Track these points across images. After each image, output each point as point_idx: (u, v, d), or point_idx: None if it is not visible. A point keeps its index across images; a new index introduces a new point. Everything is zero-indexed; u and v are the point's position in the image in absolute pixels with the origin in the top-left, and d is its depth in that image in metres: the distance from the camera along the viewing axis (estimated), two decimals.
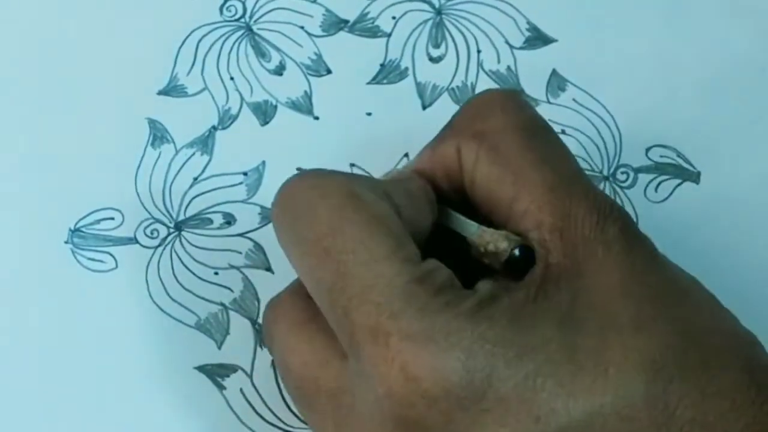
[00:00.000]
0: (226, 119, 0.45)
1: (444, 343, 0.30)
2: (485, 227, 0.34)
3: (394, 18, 0.47)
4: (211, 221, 0.43)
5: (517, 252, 0.32)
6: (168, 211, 0.43)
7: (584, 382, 0.30)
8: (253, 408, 0.40)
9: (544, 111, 0.44)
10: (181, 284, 0.42)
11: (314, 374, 0.33)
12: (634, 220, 0.43)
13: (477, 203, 0.35)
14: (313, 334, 0.33)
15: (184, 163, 0.44)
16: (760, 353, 0.33)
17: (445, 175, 0.36)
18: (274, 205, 0.34)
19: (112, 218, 0.43)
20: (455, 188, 0.36)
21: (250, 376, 0.40)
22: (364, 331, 0.31)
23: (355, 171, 0.44)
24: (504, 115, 0.35)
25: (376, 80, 0.46)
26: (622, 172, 0.44)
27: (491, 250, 0.33)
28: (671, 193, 0.44)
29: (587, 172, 0.43)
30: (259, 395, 0.40)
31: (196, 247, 0.42)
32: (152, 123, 0.44)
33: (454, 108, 0.44)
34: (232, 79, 0.45)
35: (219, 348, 0.41)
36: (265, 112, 0.45)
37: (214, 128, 0.44)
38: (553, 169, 0.33)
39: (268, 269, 0.42)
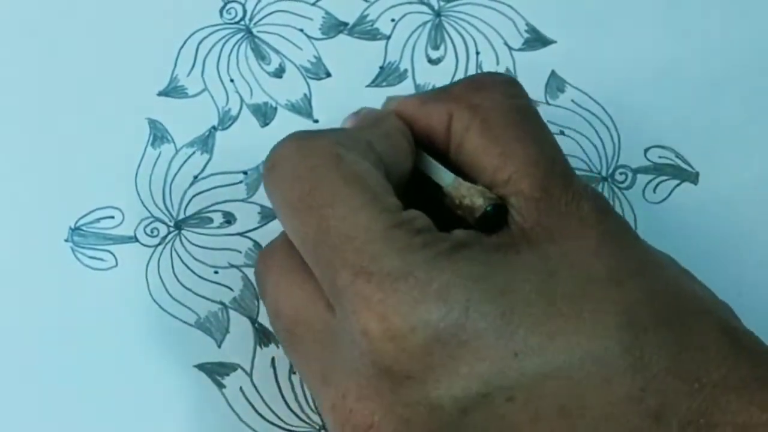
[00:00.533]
0: (226, 120, 0.45)
1: (423, 277, 0.31)
2: (462, 180, 0.35)
3: (393, 20, 0.47)
4: (211, 220, 0.43)
5: (491, 209, 0.34)
6: (168, 210, 0.43)
7: (560, 324, 0.31)
8: (253, 407, 0.40)
9: (543, 112, 0.44)
10: (181, 283, 0.42)
11: (303, 317, 0.34)
12: (630, 219, 0.43)
13: (459, 166, 0.36)
14: (304, 279, 0.34)
15: (184, 162, 0.44)
16: (734, 319, 0.34)
17: (426, 129, 0.37)
18: (264, 167, 0.36)
19: (113, 217, 0.43)
20: (430, 143, 0.37)
21: (250, 375, 0.40)
22: (345, 276, 0.32)
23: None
24: (501, 95, 0.36)
25: (375, 83, 0.46)
26: (621, 173, 0.44)
27: (466, 204, 0.34)
28: (670, 194, 0.44)
29: (586, 174, 0.43)
30: (259, 394, 0.40)
31: (196, 245, 0.42)
32: (152, 123, 0.44)
33: None
34: (232, 80, 0.46)
35: (219, 347, 0.41)
36: (264, 114, 0.45)
37: (214, 128, 0.45)
38: (539, 148, 0.35)
39: None
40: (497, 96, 0.36)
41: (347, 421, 0.32)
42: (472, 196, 0.34)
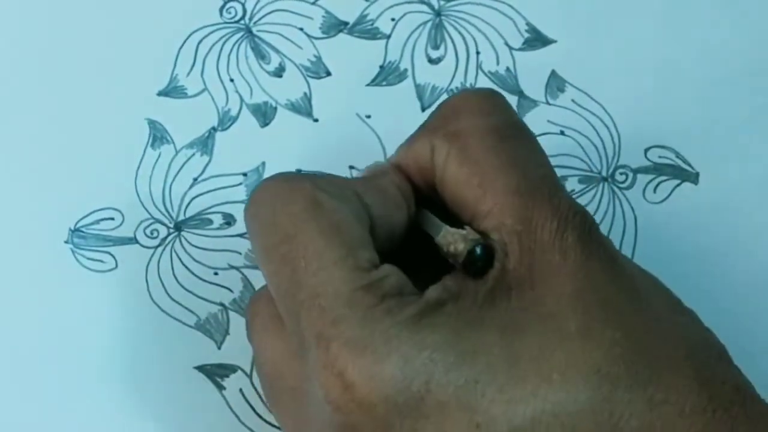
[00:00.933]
0: (226, 120, 0.45)
1: (382, 349, 0.30)
2: (450, 228, 0.34)
3: (393, 20, 0.47)
4: (210, 222, 0.43)
5: (476, 251, 0.32)
6: (168, 212, 0.43)
7: (526, 389, 0.29)
8: (253, 408, 0.40)
9: (542, 112, 0.44)
10: (181, 284, 0.42)
11: (280, 370, 0.34)
12: (630, 219, 0.43)
13: (446, 202, 0.35)
14: (284, 329, 0.34)
15: (184, 164, 0.44)
16: (715, 360, 0.32)
17: (418, 172, 0.36)
18: (245, 210, 0.35)
19: (112, 218, 0.43)
20: (429, 185, 0.36)
21: (250, 377, 0.40)
22: (310, 336, 0.31)
23: (354, 173, 0.44)
24: (477, 117, 0.35)
25: (375, 82, 0.46)
26: (621, 173, 0.44)
27: (452, 252, 0.33)
28: (670, 194, 0.44)
29: (585, 174, 0.43)
30: (259, 395, 0.40)
31: (196, 247, 0.42)
32: (152, 123, 0.44)
33: None
34: (231, 80, 0.46)
35: (219, 348, 0.41)
36: (264, 114, 0.45)
37: (214, 129, 0.45)
38: (520, 172, 0.33)
39: None
40: (472, 118, 0.35)
41: None
42: (455, 243, 0.33)
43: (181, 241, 0.42)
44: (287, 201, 0.33)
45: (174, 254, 0.42)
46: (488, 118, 0.35)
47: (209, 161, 0.44)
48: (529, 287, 0.31)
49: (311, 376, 0.31)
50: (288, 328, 0.33)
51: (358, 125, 0.45)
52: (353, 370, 0.30)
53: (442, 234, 0.34)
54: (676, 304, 0.34)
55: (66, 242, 0.42)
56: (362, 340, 0.30)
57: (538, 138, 0.44)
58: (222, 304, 0.41)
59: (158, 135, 0.44)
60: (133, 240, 0.42)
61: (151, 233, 0.43)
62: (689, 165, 0.44)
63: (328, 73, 0.46)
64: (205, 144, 0.44)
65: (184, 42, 0.46)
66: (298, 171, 0.44)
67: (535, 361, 0.30)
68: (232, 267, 0.42)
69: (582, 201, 0.43)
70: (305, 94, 0.46)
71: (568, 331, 0.30)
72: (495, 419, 0.29)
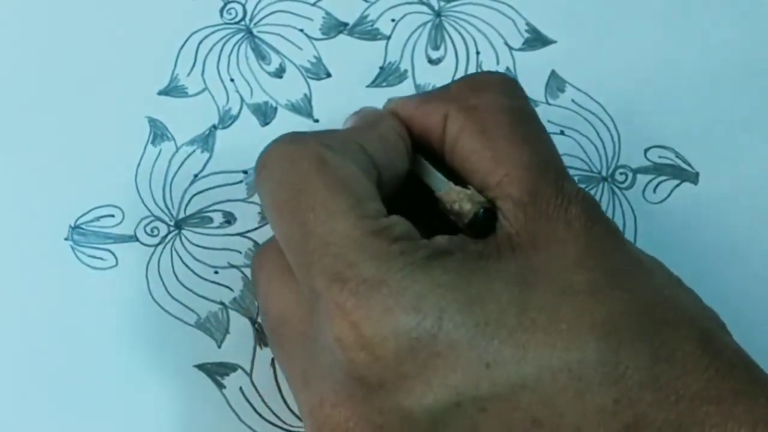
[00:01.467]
0: (227, 119, 0.45)
1: (396, 286, 0.31)
2: (453, 185, 0.35)
3: (393, 20, 0.47)
4: (211, 220, 0.43)
5: (480, 214, 0.34)
6: (168, 209, 0.43)
7: (535, 336, 0.30)
8: (253, 407, 0.40)
9: (543, 112, 0.44)
10: (181, 283, 0.42)
11: (287, 318, 0.35)
12: (630, 218, 0.43)
13: (453, 168, 0.36)
14: (292, 280, 0.35)
15: (185, 160, 0.44)
16: (716, 328, 0.33)
17: (423, 130, 0.37)
18: (255, 171, 0.36)
19: (113, 215, 0.43)
20: (427, 144, 0.37)
21: (250, 375, 0.40)
22: (321, 282, 0.32)
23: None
24: (497, 96, 0.36)
25: (375, 83, 0.46)
26: (621, 173, 0.44)
27: (456, 209, 0.34)
28: (670, 194, 0.44)
29: (586, 174, 0.43)
30: (259, 394, 0.40)
31: (197, 245, 0.42)
32: (152, 121, 0.44)
33: None
34: (232, 80, 0.46)
35: (219, 347, 0.41)
36: (265, 114, 0.45)
37: (215, 127, 0.45)
38: (531, 150, 0.35)
39: None
40: (493, 96, 0.36)
41: (323, 425, 0.32)
42: (461, 201, 0.34)
43: (181, 240, 0.42)
44: (294, 159, 0.34)
45: (174, 252, 0.42)
46: (506, 98, 0.36)
47: (210, 158, 0.44)
48: (535, 250, 0.32)
49: (321, 322, 0.32)
50: (298, 277, 0.34)
51: None
52: (368, 306, 0.31)
53: (446, 190, 0.35)
54: (679, 281, 0.35)
55: (66, 239, 0.42)
56: (376, 276, 0.31)
57: None
58: (222, 303, 0.41)
59: (159, 132, 0.44)
60: (134, 238, 0.42)
61: (152, 231, 0.42)
62: (689, 165, 0.44)
63: (329, 74, 0.46)
64: (205, 141, 0.44)
65: (185, 42, 0.46)
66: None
67: (544, 312, 0.31)
68: (232, 266, 0.42)
69: None
70: (305, 95, 0.46)
71: (574, 288, 0.31)
72: (505, 361, 0.30)
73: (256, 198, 0.43)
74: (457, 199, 0.34)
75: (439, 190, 0.35)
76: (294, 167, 0.34)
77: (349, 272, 0.31)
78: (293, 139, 0.35)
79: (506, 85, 0.37)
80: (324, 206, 0.33)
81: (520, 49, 0.46)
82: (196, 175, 0.44)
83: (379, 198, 0.34)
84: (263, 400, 0.40)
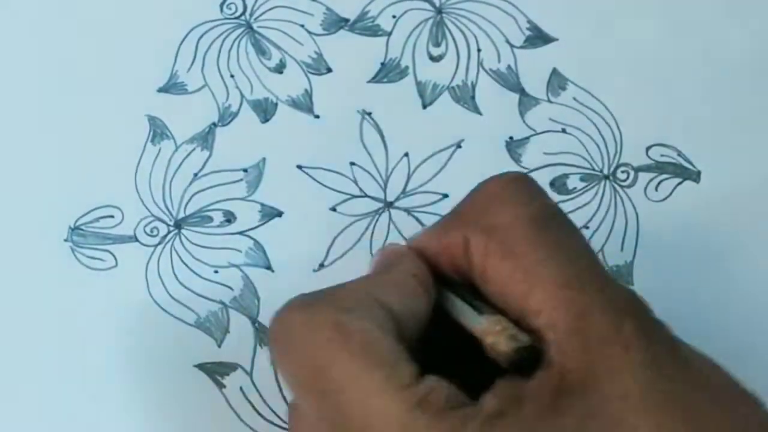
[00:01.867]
0: (226, 116, 0.45)
1: None
2: (489, 317, 0.32)
3: (394, 17, 0.47)
4: (211, 219, 0.43)
5: (522, 354, 0.31)
6: (168, 209, 0.43)
7: None
8: (253, 406, 0.40)
9: (544, 110, 0.44)
10: (181, 282, 0.42)
11: None
12: (632, 217, 0.43)
13: (490, 297, 0.33)
14: None
15: (184, 159, 0.44)
16: None
17: (450, 263, 0.34)
18: (270, 339, 0.34)
19: (112, 216, 0.43)
20: (462, 276, 0.34)
21: (250, 375, 0.40)
22: None
23: (355, 170, 0.44)
24: (513, 207, 0.33)
25: (376, 79, 0.46)
26: (623, 171, 0.44)
27: (495, 349, 0.31)
28: (671, 192, 0.44)
29: (587, 172, 0.43)
30: (259, 393, 0.40)
31: (196, 245, 0.42)
32: (152, 120, 0.44)
33: (455, 107, 0.45)
34: (232, 76, 0.45)
35: (219, 346, 0.41)
36: (265, 110, 0.45)
37: (214, 125, 0.44)
38: (566, 263, 0.32)
39: (268, 268, 0.42)
40: (509, 209, 0.33)
41: None
42: (498, 339, 0.31)
43: (181, 239, 0.42)
44: (312, 329, 0.31)
45: (174, 252, 0.42)
46: (523, 207, 0.33)
47: (209, 156, 0.44)
48: (594, 388, 0.30)
49: None
50: None
51: (359, 122, 0.45)
52: None
53: (482, 326, 0.32)
54: (736, 387, 0.32)
55: (65, 240, 0.42)
56: None
57: (539, 136, 0.44)
58: (222, 303, 0.41)
59: (158, 131, 0.44)
60: (133, 238, 0.42)
61: (151, 231, 0.42)
62: (691, 163, 0.44)
63: (329, 70, 0.46)
64: (205, 139, 0.44)
65: (185, 38, 0.46)
66: (299, 167, 0.44)
67: None
68: (232, 265, 0.42)
69: (583, 199, 0.44)
70: (306, 90, 0.45)
71: None
72: None
73: (256, 196, 0.43)
74: (494, 336, 0.31)
75: (472, 325, 0.32)
76: (312, 341, 0.31)
77: None
78: (304, 305, 0.33)
79: (519, 189, 0.34)
80: (356, 384, 0.30)
81: (521, 47, 0.46)
82: (195, 174, 0.43)
83: (407, 354, 0.31)
84: (263, 400, 0.40)
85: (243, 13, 0.47)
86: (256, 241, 0.42)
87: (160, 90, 0.45)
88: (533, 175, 0.44)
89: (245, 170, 0.44)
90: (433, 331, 0.33)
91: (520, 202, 0.34)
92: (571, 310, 0.31)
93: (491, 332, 0.31)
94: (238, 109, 0.45)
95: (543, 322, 0.31)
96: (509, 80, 0.45)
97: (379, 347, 0.31)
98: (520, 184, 0.35)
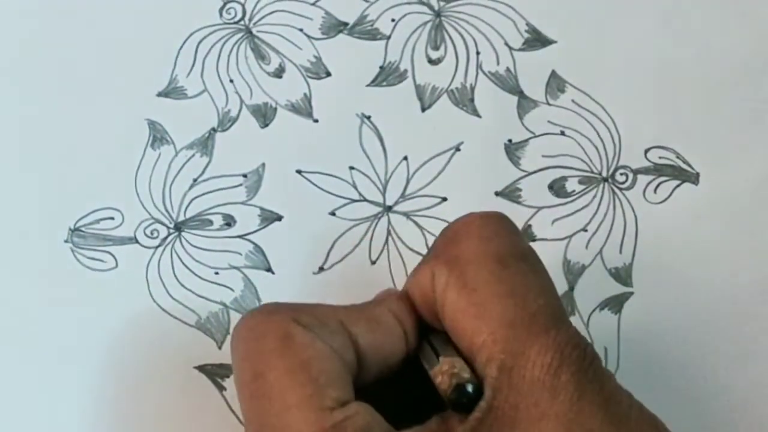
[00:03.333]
0: (226, 121, 0.45)
1: None
2: (446, 357, 0.32)
3: (393, 20, 0.47)
4: (210, 222, 0.43)
5: (460, 388, 0.31)
6: (168, 212, 0.43)
7: None
8: None
9: (543, 112, 0.44)
10: (181, 284, 0.42)
11: None
12: (631, 219, 0.43)
13: (447, 330, 0.33)
14: None
15: (184, 164, 0.44)
16: None
17: (422, 301, 0.34)
18: (231, 337, 0.34)
19: (112, 218, 0.43)
20: (433, 314, 0.34)
21: None
22: None
23: (355, 174, 0.44)
24: (479, 242, 0.33)
25: (375, 82, 0.46)
26: (622, 174, 0.44)
27: (441, 387, 0.32)
28: (670, 194, 0.44)
29: (586, 174, 0.43)
30: None
31: (197, 247, 0.42)
32: (152, 124, 0.44)
33: (454, 110, 0.45)
34: (231, 81, 0.45)
35: (219, 348, 0.41)
36: (264, 115, 0.45)
37: (214, 130, 0.44)
38: (519, 303, 0.31)
39: (269, 270, 0.42)
40: (474, 243, 0.33)
41: None
42: (443, 380, 0.31)
43: (181, 242, 0.42)
44: (260, 336, 0.32)
45: (174, 254, 0.42)
46: (488, 244, 0.33)
47: (209, 162, 0.44)
48: (512, 428, 0.30)
49: None
50: None
51: (358, 126, 0.45)
52: None
53: (434, 369, 0.32)
54: None
55: (66, 241, 0.42)
56: None
57: (538, 138, 0.44)
58: (223, 303, 0.41)
59: (158, 136, 0.44)
60: (133, 240, 0.42)
61: (152, 233, 0.42)
62: (689, 165, 0.44)
63: (328, 74, 0.46)
64: (204, 145, 0.44)
65: (184, 43, 0.46)
66: (298, 171, 0.44)
67: None
68: (232, 267, 0.42)
69: (582, 201, 0.44)
70: (305, 94, 0.45)
71: None
72: None
73: (255, 200, 0.43)
74: (441, 376, 0.31)
75: (429, 367, 0.32)
76: (258, 346, 0.32)
77: None
78: (266, 312, 0.33)
79: (487, 226, 0.34)
80: (281, 396, 0.31)
81: (520, 50, 0.46)
82: (195, 180, 0.43)
83: (347, 381, 0.32)
84: None
85: (242, 18, 0.47)
86: (256, 245, 0.42)
87: (159, 94, 0.45)
88: (532, 177, 0.44)
89: (245, 175, 0.44)
90: (413, 382, 0.33)
91: (487, 238, 0.33)
92: (510, 349, 0.30)
93: (439, 372, 0.32)
94: (238, 114, 0.45)
95: (483, 357, 0.31)
96: (508, 83, 0.45)
97: (317, 366, 0.31)
98: (492, 221, 0.34)
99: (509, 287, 0.32)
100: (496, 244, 0.33)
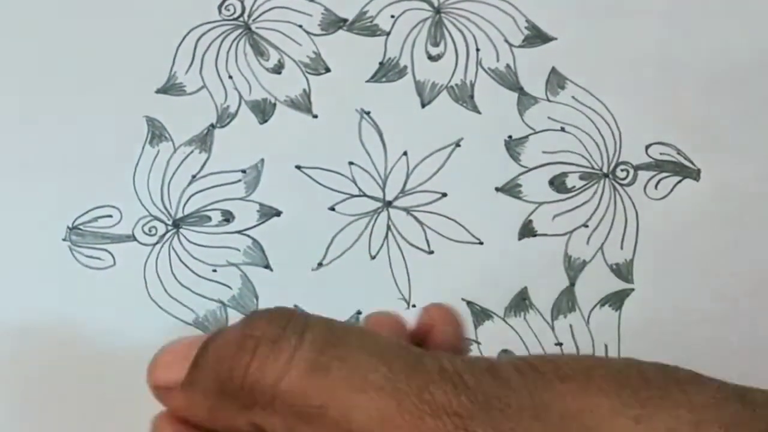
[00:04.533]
0: (225, 117, 0.45)
1: None
2: None
3: (392, 16, 0.47)
4: (209, 218, 0.43)
5: None
6: (166, 209, 0.43)
7: None
8: None
9: (543, 109, 0.44)
10: (179, 281, 0.42)
11: None
12: (632, 215, 0.43)
13: None
14: None
15: (183, 161, 0.44)
16: None
17: None
18: None
19: (110, 216, 0.43)
20: None
21: None
22: None
23: (354, 169, 0.44)
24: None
25: (374, 78, 0.46)
26: (622, 170, 0.44)
27: None
28: (671, 191, 0.44)
29: (587, 170, 0.43)
30: None
31: (195, 244, 0.42)
32: (150, 121, 0.44)
33: (454, 106, 0.45)
34: (230, 77, 0.45)
35: None
36: (263, 111, 0.45)
37: (213, 126, 0.44)
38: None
39: (267, 267, 0.42)
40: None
41: None
42: None
43: (179, 239, 0.42)
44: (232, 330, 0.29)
45: (172, 251, 0.42)
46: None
47: (208, 158, 0.44)
48: None
49: None
50: None
51: (358, 121, 0.45)
52: None
53: None
54: None
55: (64, 239, 0.42)
56: None
57: (539, 134, 0.44)
58: (221, 301, 0.41)
59: (157, 132, 0.44)
60: (132, 237, 0.42)
61: (150, 231, 0.42)
62: (690, 161, 0.44)
63: (328, 70, 0.46)
64: (203, 141, 0.44)
65: (183, 39, 0.46)
66: (297, 167, 0.43)
67: None
68: (231, 264, 0.42)
69: (583, 197, 0.44)
70: (304, 90, 0.45)
71: None
72: None
73: (254, 196, 0.43)
74: None
75: None
76: (226, 336, 0.29)
77: None
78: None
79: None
80: None
81: (520, 46, 0.46)
82: (194, 176, 0.43)
83: None
84: None
85: (241, 14, 0.47)
86: (254, 240, 0.42)
87: (158, 91, 0.45)
88: (533, 173, 0.44)
89: (243, 171, 0.44)
90: None
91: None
92: None
93: None
94: (237, 110, 0.45)
95: None
96: (508, 79, 0.45)
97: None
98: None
99: None
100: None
